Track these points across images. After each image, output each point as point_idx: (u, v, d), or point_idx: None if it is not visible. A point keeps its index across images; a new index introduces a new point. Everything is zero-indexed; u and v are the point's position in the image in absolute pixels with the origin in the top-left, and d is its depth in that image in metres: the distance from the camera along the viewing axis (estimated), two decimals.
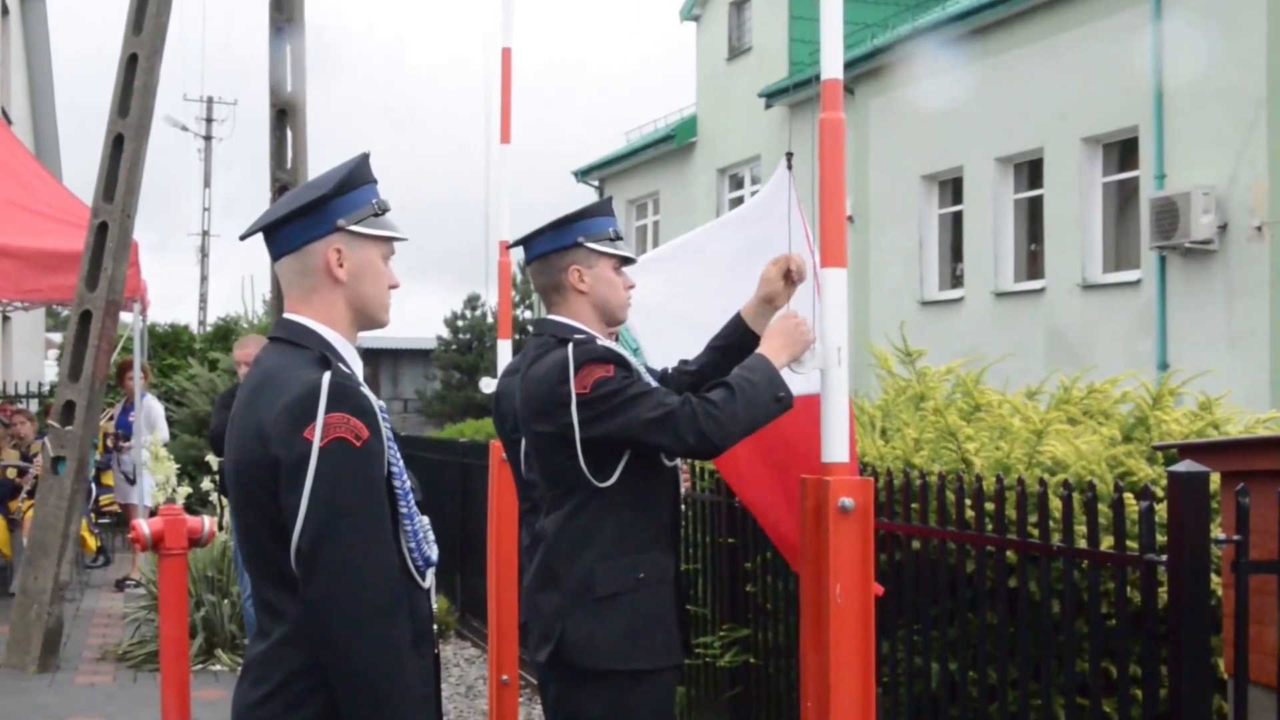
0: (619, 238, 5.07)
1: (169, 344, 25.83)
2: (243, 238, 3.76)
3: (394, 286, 3.69)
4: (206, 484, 12.71)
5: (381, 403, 3.42)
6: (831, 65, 4.13)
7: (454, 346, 51.45)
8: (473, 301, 51.72)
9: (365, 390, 3.38)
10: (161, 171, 71.20)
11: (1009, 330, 23.08)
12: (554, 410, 4.68)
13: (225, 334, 25.44)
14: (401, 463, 3.48)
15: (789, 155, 5.49)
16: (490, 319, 45.76)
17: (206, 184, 56.06)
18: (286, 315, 3.60)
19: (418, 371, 56.72)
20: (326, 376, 3.32)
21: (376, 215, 3.61)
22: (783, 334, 4.71)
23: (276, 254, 3.60)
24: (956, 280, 25.51)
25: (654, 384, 4.75)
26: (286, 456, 3.27)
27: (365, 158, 3.66)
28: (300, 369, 3.39)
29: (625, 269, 5.07)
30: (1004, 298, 23.76)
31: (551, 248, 4.99)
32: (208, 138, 56.12)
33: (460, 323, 51.87)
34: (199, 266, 55.35)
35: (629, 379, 4.66)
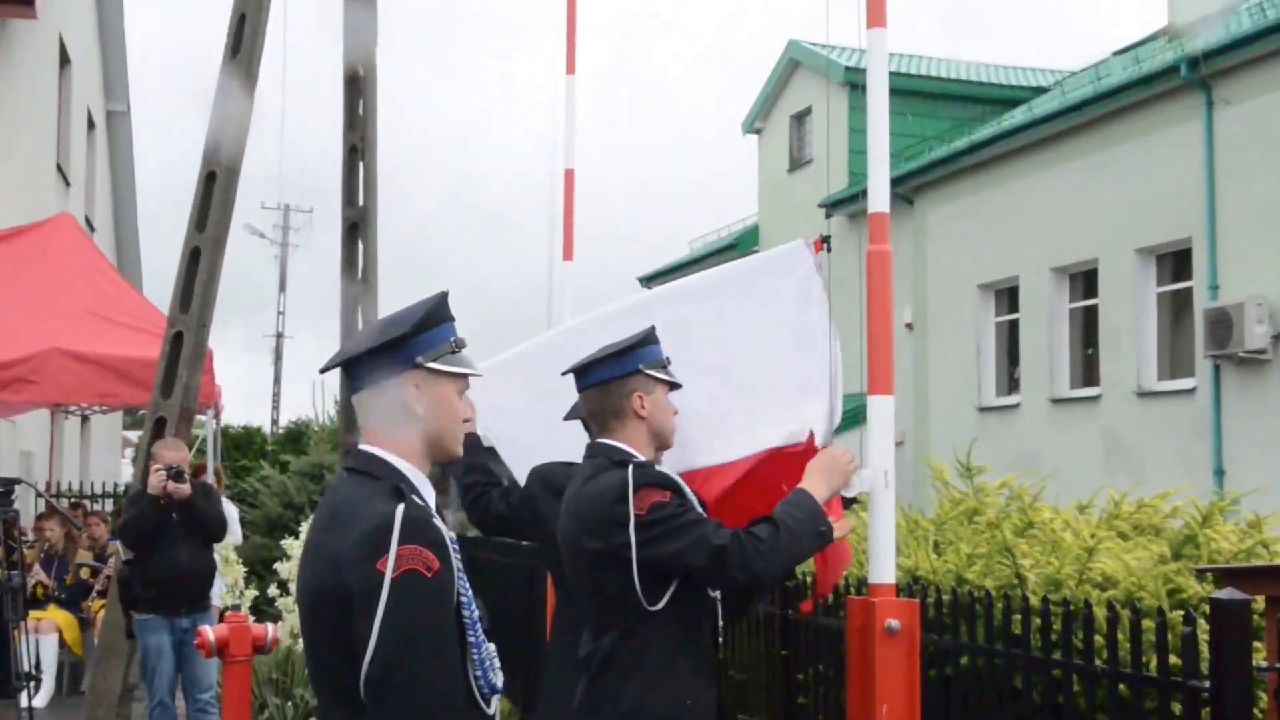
0: (669, 363, 5.11)
1: (242, 446, 25.95)
2: (323, 370, 3.81)
3: (467, 420, 3.72)
4: (274, 589, 12.74)
5: (453, 534, 3.43)
6: (879, 198, 4.17)
7: None
8: None
9: (438, 522, 3.39)
10: (238, 273, 71.98)
11: (1065, 436, 22.95)
12: (610, 529, 4.69)
13: (297, 437, 25.52)
14: (470, 592, 3.47)
15: (825, 237, 5.49)
16: None
17: (282, 288, 56.17)
18: (363, 447, 3.61)
19: None
20: (400, 509, 3.33)
21: (454, 352, 3.64)
22: (823, 469, 4.81)
23: (356, 387, 3.63)
24: (1013, 386, 25.40)
25: (705, 515, 4.78)
26: (360, 587, 3.27)
27: (444, 296, 3.69)
28: (375, 500, 3.40)
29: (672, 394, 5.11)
30: (1060, 404, 23.63)
31: (614, 375, 5.00)
32: (284, 244, 56.44)
33: None
34: (273, 368, 55.44)
35: (683, 507, 4.70)
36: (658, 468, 4.89)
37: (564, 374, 5.14)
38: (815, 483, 4.76)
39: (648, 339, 5.10)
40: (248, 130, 12.41)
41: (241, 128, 12.34)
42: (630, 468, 4.76)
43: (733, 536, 4.59)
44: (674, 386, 5.09)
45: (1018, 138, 24.41)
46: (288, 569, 12.18)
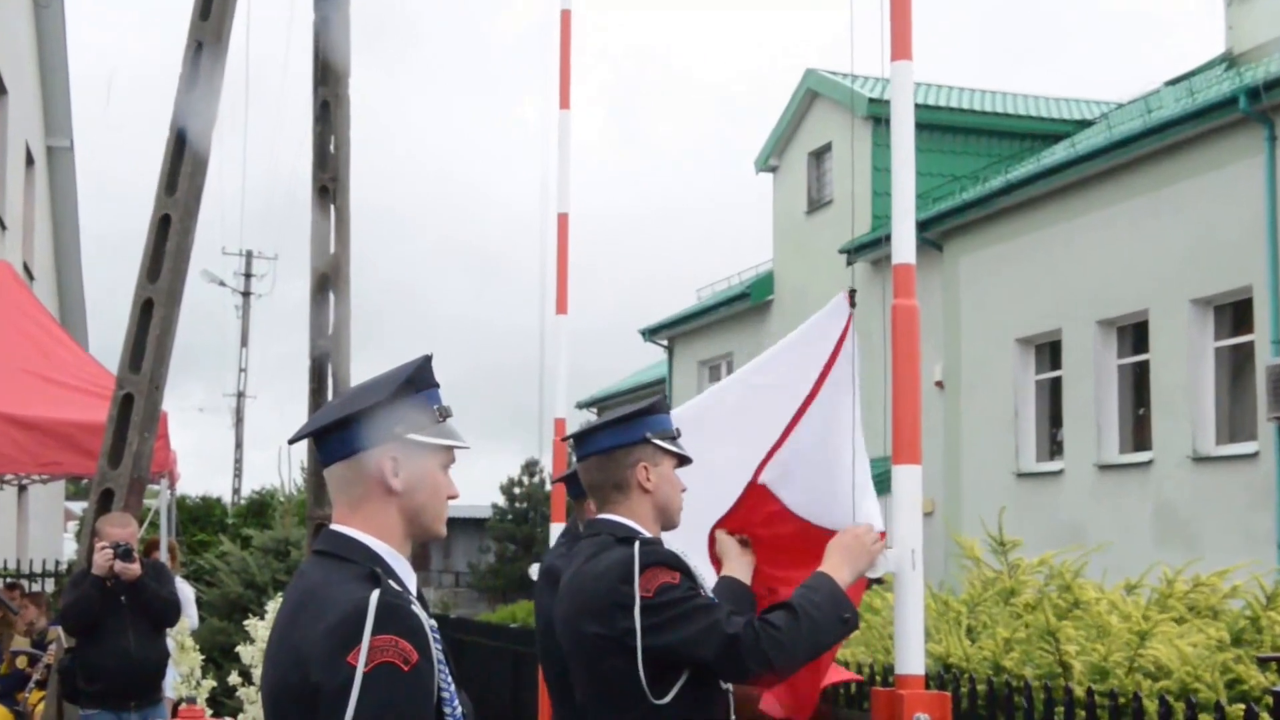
0: (679, 435, 5.11)
1: (199, 518, 25.88)
2: (292, 442, 3.81)
3: (452, 497, 3.70)
4: (234, 678, 12.66)
5: (434, 622, 3.41)
6: (904, 249, 4.17)
7: (509, 516, 51.37)
8: (531, 468, 51.74)
9: (416, 609, 3.36)
10: (196, 326, 71.99)
11: (1113, 505, 22.88)
12: (612, 611, 4.65)
13: (261, 508, 25.46)
14: (453, 686, 3.45)
15: (851, 291, 5.51)
16: (549, 486, 45.73)
17: (244, 343, 55.95)
18: (334, 526, 3.60)
19: (471, 542, 56.65)
20: (375, 595, 3.30)
21: (437, 422, 3.63)
22: (846, 549, 4.83)
23: (327, 459, 3.61)
24: (1055, 451, 25.37)
25: (715, 599, 4.77)
26: (328, 683, 3.25)
27: (427, 361, 3.69)
28: (346, 585, 3.38)
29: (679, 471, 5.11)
30: (1108, 470, 23.57)
31: (617, 443, 4.98)
32: (246, 294, 56.22)
33: (517, 490, 51.76)
34: (234, 432, 55.22)
35: (693, 590, 4.70)
36: (668, 546, 4.87)
37: (567, 439, 5.17)
38: (837, 564, 4.77)
39: (656, 407, 5.09)
40: (206, 168, 12.42)
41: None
42: (636, 545, 4.74)
43: (747, 625, 4.58)
44: (684, 461, 5.08)
45: (1059, 176, 24.44)
46: (250, 654, 12.10)
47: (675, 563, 4.74)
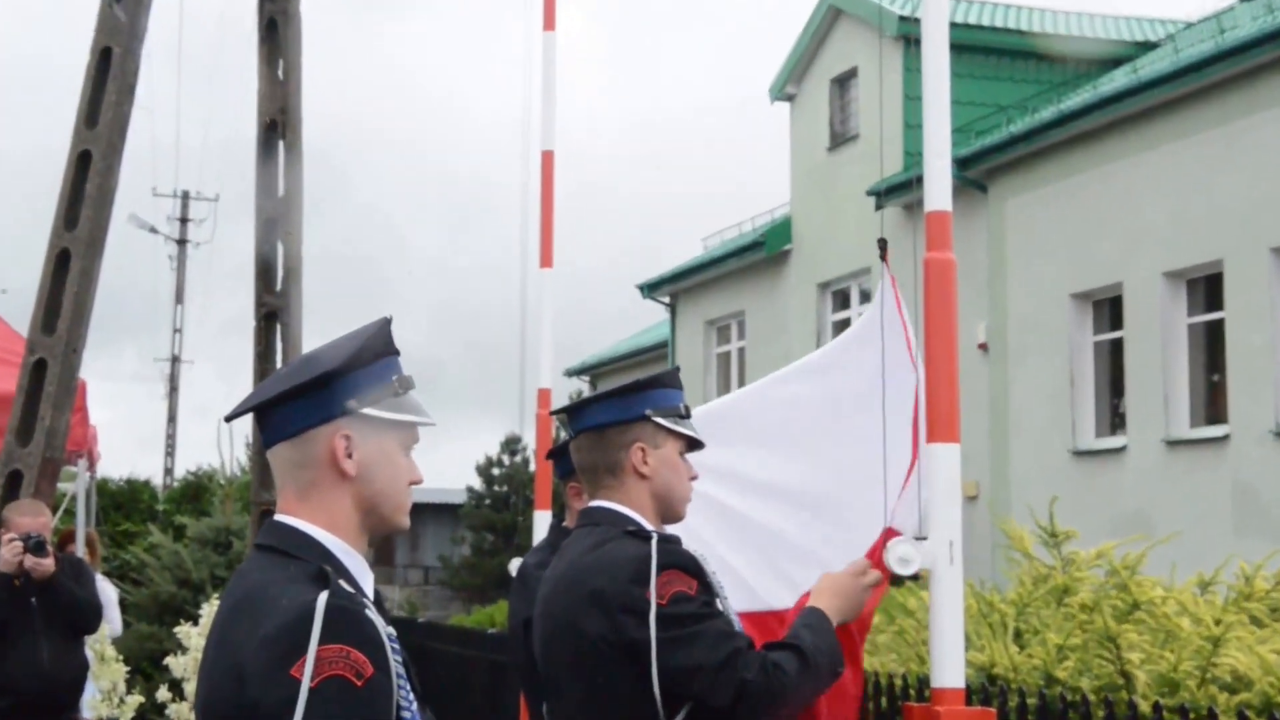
0: (688, 414, 5.06)
1: (125, 505, 25.79)
2: (229, 418, 3.77)
3: (415, 482, 3.66)
4: (164, 693, 12.64)
5: (392, 629, 3.38)
6: (938, 193, 4.13)
7: (487, 501, 51.28)
8: (511, 445, 51.63)
9: (372, 614, 3.33)
10: (122, 281, 71.79)
11: (1184, 488, 22.85)
12: (623, 616, 4.61)
13: (197, 493, 25.42)
14: (415, 704, 3.42)
15: (881, 243, 5.48)
16: (533, 466, 45.82)
17: (179, 299, 55.84)
18: (278, 517, 3.57)
19: (443, 532, 56.66)
20: (323, 597, 3.27)
21: (397, 395, 3.61)
22: (837, 593, 4.93)
23: (270, 439, 3.59)
24: (1117, 424, 25.35)
25: (733, 616, 4.76)
26: (267, 700, 3.21)
27: (386, 324, 3.66)
28: (290, 586, 3.35)
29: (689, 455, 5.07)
30: (1177, 448, 23.53)
31: (611, 419, 4.97)
32: (181, 241, 56.07)
33: (496, 470, 51.64)
34: (166, 403, 55.07)
35: (709, 605, 4.67)
36: (686, 545, 4.83)
37: (556, 413, 5.14)
38: (830, 604, 4.90)
39: (664, 380, 5.08)
40: (133, 95, 12.35)
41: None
42: (654, 540, 4.70)
43: (759, 669, 4.56)
44: (694, 444, 5.04)
45: (1120, 106, 24.39)
46: (183, 665, 12.10)
47: (694, 568, 4.70)
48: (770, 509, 5.83)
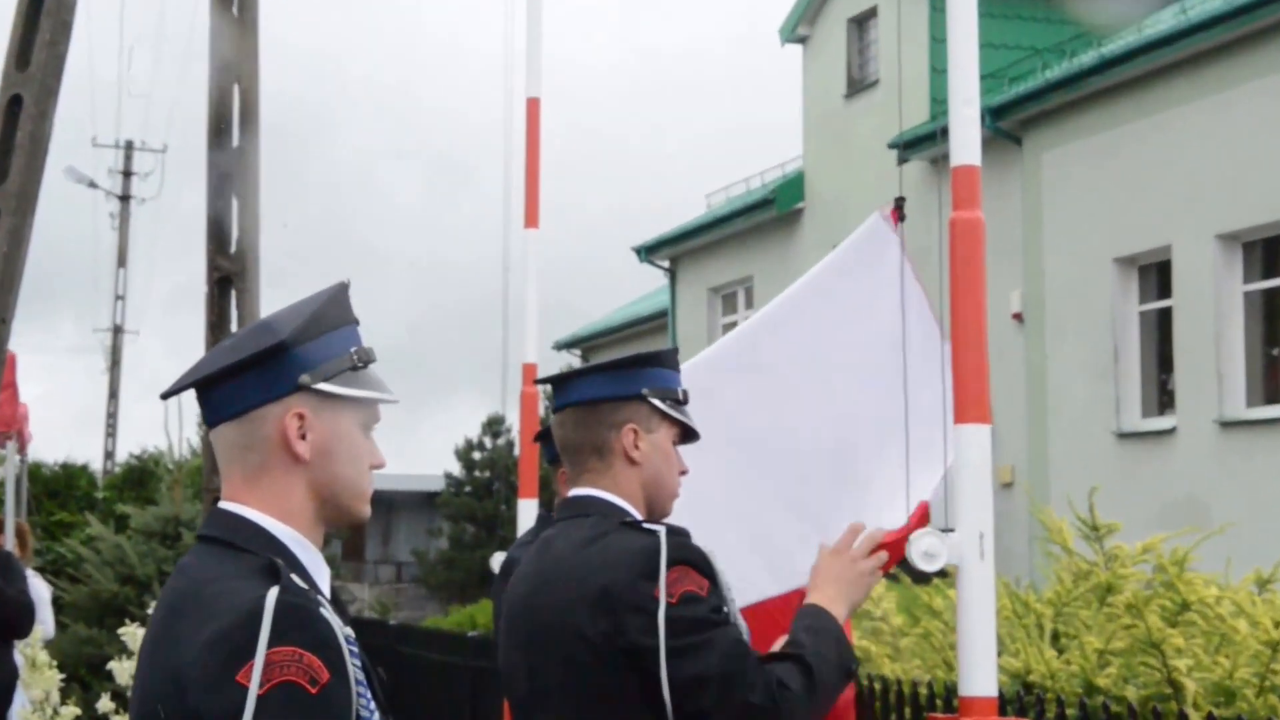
0: (686, 400, 5.03)
1: (60, 492, 25.80)
2: (166, 396, 3.74)
3: (377, 466, 3.63)
4: (105, 703, 12.61)
5: (350, 630, 3.35)
6: (965, 146, 4.10)
7: (467, 488, 51.24)
8: (494, 426, 51.58)
9: (327, 613, 3.30)
10: (57, 242, 71.65)
11: (1240, 475, 22.87)
12: (628, 614, 4.59)
13: (142, 478, 25.41)
14: (378, 716, 3.41)
15: (899, 201, 5.47)
16: (518, 450, 45.82)
17: (121, 263, 55.61)
18: (223, 505, 3.55)
19: (418, 523, 56.67)
20: (272, 594, 3.24)
21: (355, 369, 3.58)
22: (838, 579, 4.90)
23: (213, 418, 3.56)
24: (1166, 404, 25.36)
25: (741, 622, 4.74)
26: (210, 709, 3.19)
27: (343, 289, 3.64)
28: (236, 582, 3.32)
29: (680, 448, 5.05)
30: (1232, 429, 23.55)
31: (603, 395, 4.95)
32: (124, 198, 55.85)
33: (477, 455, 51.59)
34: (107, 378, 54.92)
35: (719, 609, 4.65)
36: (695, 540, 4.80)
37: (541, 382, 5.16)
38: (832, 597, 4.86)
39: (663, 359, 5.06)
40: (69, 33, 12.32)
41: (59, 28, 12.23)
42: (663, 532, 4.68)
43: (766, 693, 4.54)
44: (689, 434, 5.02)
45: (1168, 50, 24.35)
46: (127, 671, 12.07)
47: (706, 567, 4.69)
48: (766, 474, 5.81)
